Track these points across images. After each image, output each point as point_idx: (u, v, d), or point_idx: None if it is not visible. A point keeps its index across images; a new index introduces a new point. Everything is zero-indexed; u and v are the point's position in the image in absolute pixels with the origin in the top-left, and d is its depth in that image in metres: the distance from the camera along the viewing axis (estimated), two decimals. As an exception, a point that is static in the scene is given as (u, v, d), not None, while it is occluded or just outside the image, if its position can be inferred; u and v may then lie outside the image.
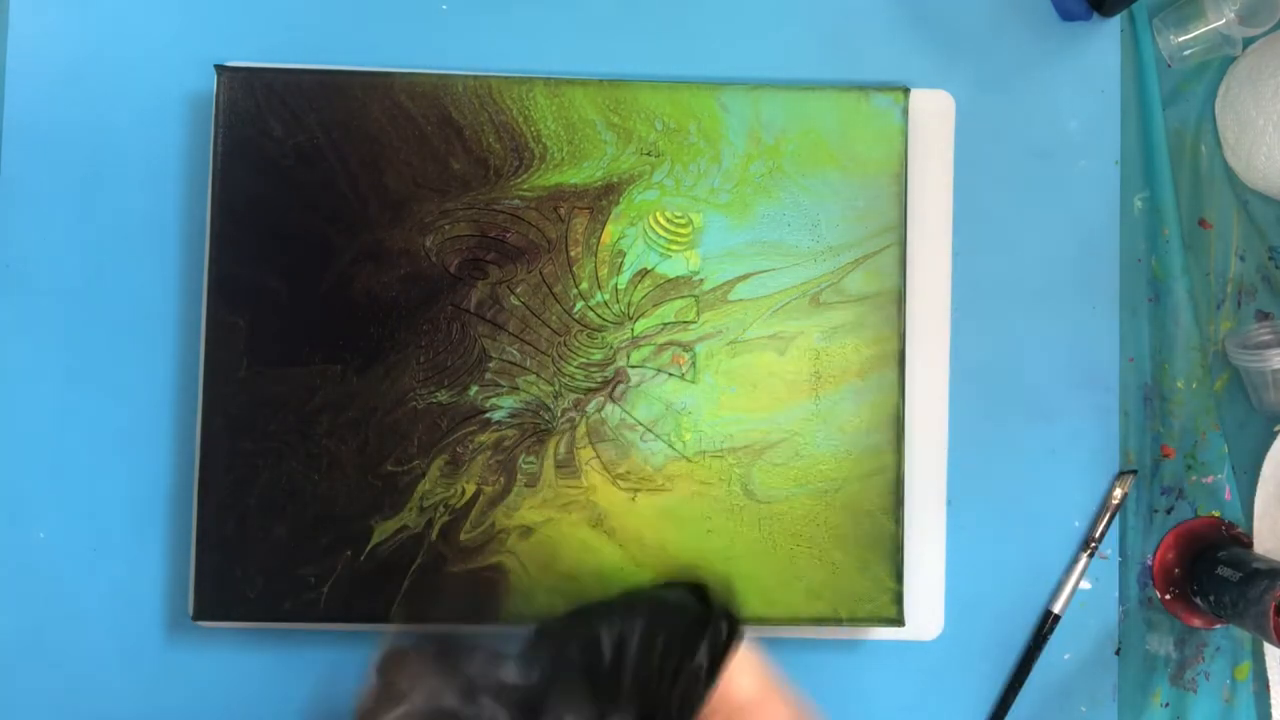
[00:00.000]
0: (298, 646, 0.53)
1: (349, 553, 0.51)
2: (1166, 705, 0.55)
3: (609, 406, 0.52)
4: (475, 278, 0.52)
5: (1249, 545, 0.56)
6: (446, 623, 0.52)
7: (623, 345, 0.52)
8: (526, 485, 0.52)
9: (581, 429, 0.52)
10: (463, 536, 0.51)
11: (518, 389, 0.52)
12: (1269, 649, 0.55)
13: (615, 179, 0.53)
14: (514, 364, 0.52)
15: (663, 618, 0.41)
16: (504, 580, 0.51)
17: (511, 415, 0.52)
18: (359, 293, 0.52)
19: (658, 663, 0.40)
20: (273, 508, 0.51)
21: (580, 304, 0.52)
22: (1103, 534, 0.55)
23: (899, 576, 0.52)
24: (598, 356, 0.52)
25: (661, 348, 0.52)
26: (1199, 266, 0.57)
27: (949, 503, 0.55)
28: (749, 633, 0.53)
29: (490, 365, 0.52)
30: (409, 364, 0.52)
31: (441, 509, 0.51)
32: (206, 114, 0.53)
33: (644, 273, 0.52)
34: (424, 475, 0.51)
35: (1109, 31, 0.57)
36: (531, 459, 0.52)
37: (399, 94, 0.52)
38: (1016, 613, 0.55)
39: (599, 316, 0.52)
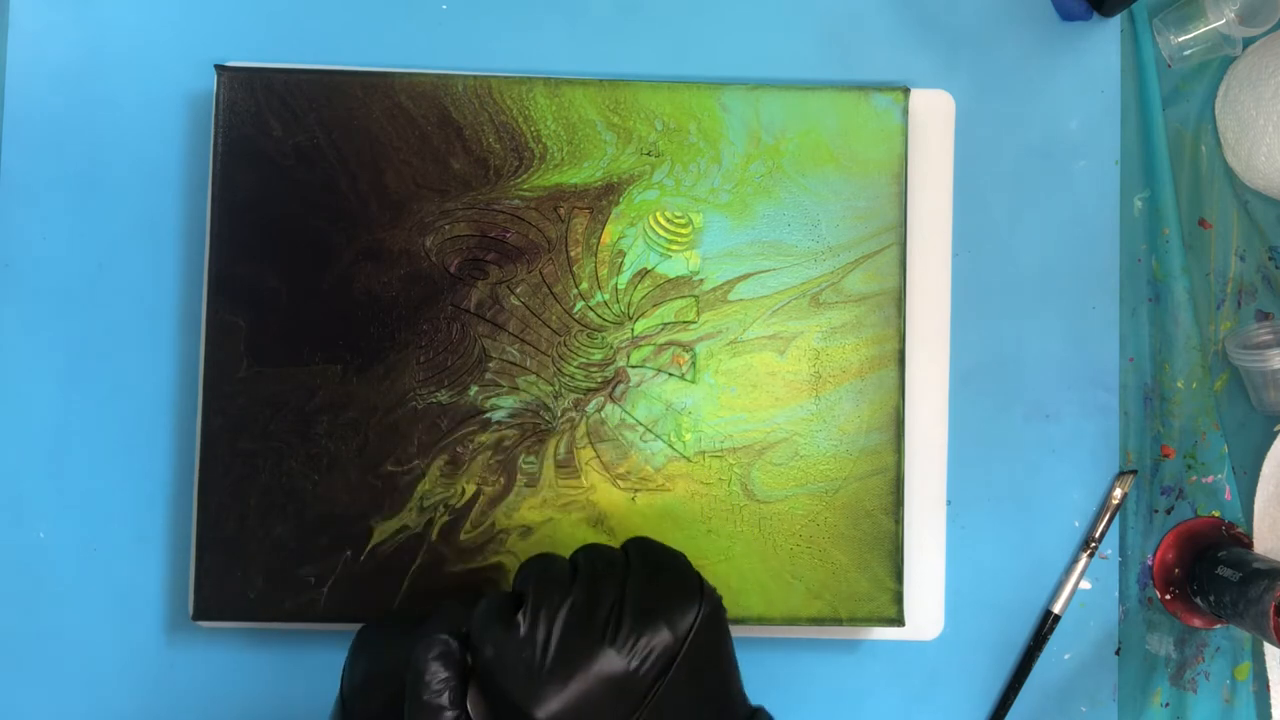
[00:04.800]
0: (298, 646, 0.53)
1: (349, 553, 0.51)
2: (1166, 705, 0.55)
3: (609, 406, 0.52)
4: (475, 278, 0.52)
5: (1249, 545, 0.56)
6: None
7: (623, 345, 0.52)
8: (526, 485, 0.52)
9: (581, 429, 0.52)
10: (463, 536, 0.51)
11: (518, 389, 0.52)
12: (1269, 649, 0.55)
13: (615, 179, 0.53)
14: (514, 364, 0.52)
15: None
16: (504, 580, 0.51)
17: (511, 415, 0.52)
18: (359, 293, 0.52)
19: None
20: (273, 508, 0.51)
21: (580, 304, 0.52)
22: (1103, 534, 0.55)
23: (899, 576, 0.52)
24: (598, 356, 0.52)
25: (661, 348, 0.52)
26: (1199, 266, 0.57)
27: (949, 503, 0.55)
28: (746, 633, 0.53)
29: (490, 365, 0.52)
30: (409, 364, 0.52)
31: (441, 509, 0.51)
32: (206, 114, 0.53)
33: (644, 273, 0.52)
34: (424, 475, 0.51)
35: (1109, 31, 0.57)
36: (531, 459, 0.52)
37: (399, 94, 0.52)
38: (1016, 613, 0.55)
39: (599, 316, 0.52)
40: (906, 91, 0.54)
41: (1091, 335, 0.56)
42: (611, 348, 0.52)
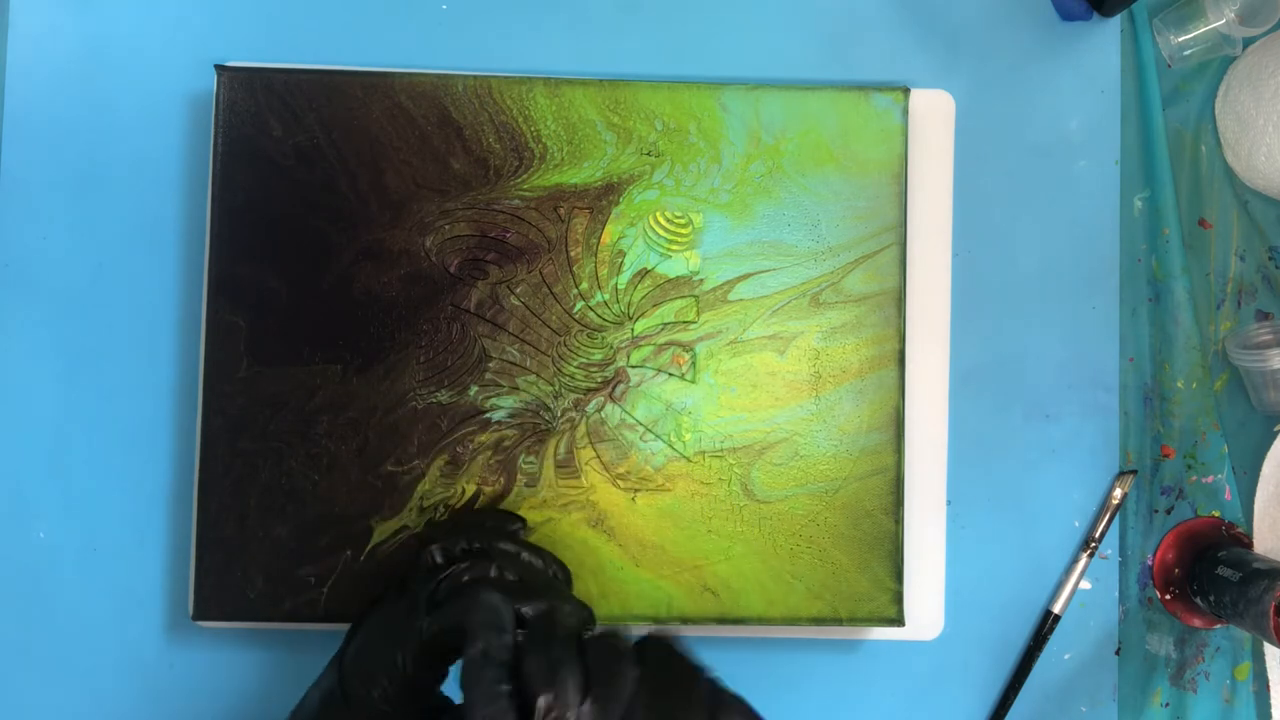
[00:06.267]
0: (298, 646, 0.53)
1: (349, 553, 0.51)
2: (1166, 705, 0.55)
3: (609, 406, 0.52)
4: (475, 278, 0.52)
5: (1249, 545, 0.56)
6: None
7: (623, 345, 0.52)
8: (526, 485, 0.52)
9: (581, 429, 0.52)
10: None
11: (518, 389, 0.52)
12: (1269, 649, 0.55)
13: (615, 179, 0.53)
14: (514, 364, 0.52)
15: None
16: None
17: (511, 415, 0.52)
18: (359, 293, 0.52)
19: None
20: (273, 508, 0.51)
21: (580, 304, 0.52)
22: (1103, 534, 0.55)
23: (899, 576, 0.52)
24: (598, 356, 0.52)
25: (661, 348, 0.52)
26: (1199, 266, 0.57)
27: (949, 503, 0.55)
28: (746, 633, 0.53)
29: (490, 365, 0.52)
30: (409, 364, 0.52)
31: (441, 509, 0.51)
32: (206, 114, 0.53)
33: (644, 273, 0.52)
34: (424, 475, 0.51)
35: (1109, 31, 0.57)
36: (531, 459, 0.52)
37: (399, 94, 0.52)
38: (1016, 613, 0.55)
39: (599, 316, 0.52)
40: (906, 91, 0.54)
41: (1091, 335, 0.56)
42: (611, 348, 0.52)
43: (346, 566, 0.51)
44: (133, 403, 0.54)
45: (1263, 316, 0.57)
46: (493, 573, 0.44)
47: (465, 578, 0.44)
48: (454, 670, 0.42)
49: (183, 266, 0.54)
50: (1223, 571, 0.52)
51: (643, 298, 0.52)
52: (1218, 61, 0.57)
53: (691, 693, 0.39)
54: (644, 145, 0.53)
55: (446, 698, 0.44)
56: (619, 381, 0.52)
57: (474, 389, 0.52)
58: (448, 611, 0.40)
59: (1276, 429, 0.57)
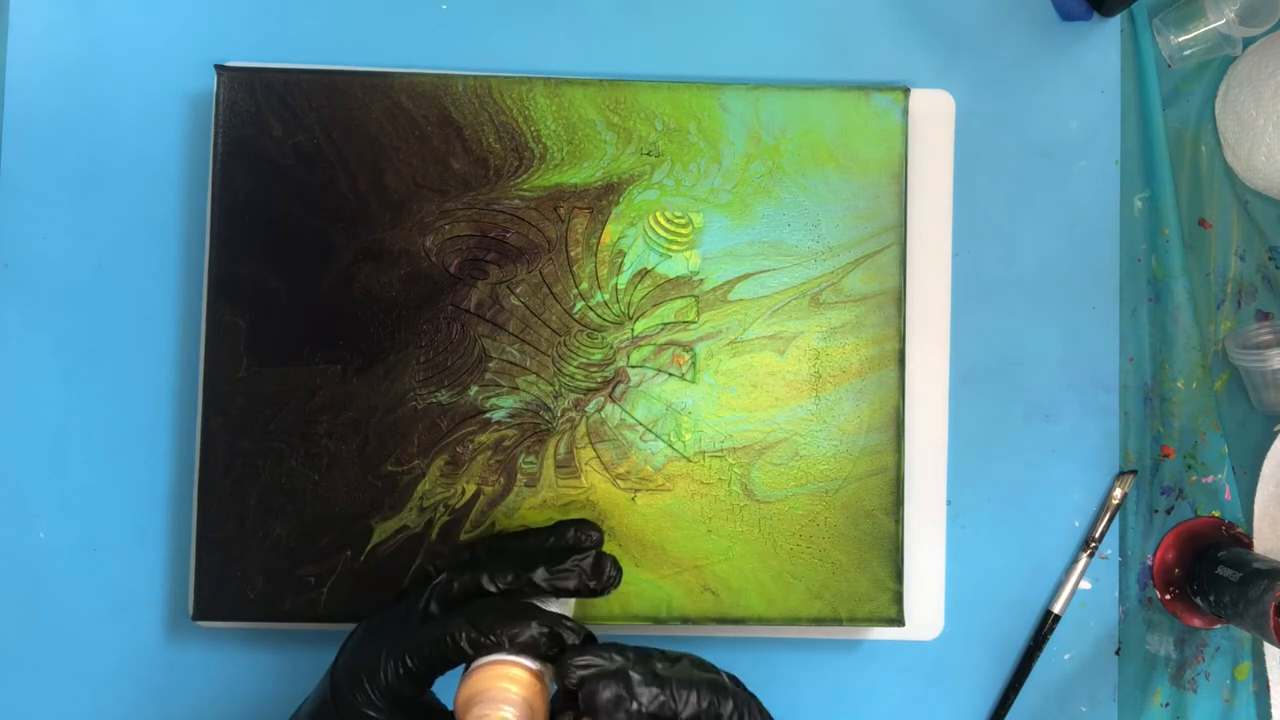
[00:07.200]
0: (298, 646, 0.53)
1: (349, 553, 0.51)
2: (1166, 705, 0.55)
3: (609, 406, 0.52)
4: (475, 278, 0.52)
5: (1249, 545, 0.56)
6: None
7: (623, 345, 0.52)
8: (526, 485, 0.52)
9: (581, 429, 0.52)
10: (462, 537, 0.51)
11: (518, 389, 0.52)
12: (1269, 649, 0.55)
13: (615, 179, 0.53)
14: (514, 364, 0.52)
15: None
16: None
17: (511, 415, 0.52)
18: (359, 293, 0.52)
19: None
20: (273, 508, 0.51)
21: (580, 304, 0.52)
22: (1103, 534, 0.55)
23: (899, 576, 0.52)
24: (598, 356, 0.52)
25: (661, 348, 0.52)
26: (1199, 266, 0.57)
27: (949, 503, 0.55)
28: (746, 633, 0.54)
29: (490, 365, 0.52)
30: (409, 364, 0.52)
31: (441, 509, 0.51)
32: (206, 114, 0.53)
33: (644, 273, 0.52)
34: (424, 475, 0.51)
35: (1109, 31, 0.57)
36: (531, 459, 0.52)
37: (399, 94, 0.52)
38: (1016, 613, 0.55)
39: (599, 316, 0.52)
40: (906, 91, 0.54)
41: (1091, 335, 0.56)
42: (611, 348, 0.52)
43: (346, 566, 0.51)
44: (133, 403, 0.54)
45: (1263, 316, 0.57)
46: (485, 582, 0.44)
47: (455, 585, 0.44)
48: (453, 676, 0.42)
49: (183, 266, 0.54)
50: (1223, 571, 0.52)
51: (643, 298, 0.52)
52: (1218, 61, 0.57)
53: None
54: (644, 145, 0.53)
55: (441, 705, 0.44)
56: (619, 381, 0.52)
57: (474, 389, 0.52)
58: (427, 637, 0.41)
59: (1276, 429, 0.57)
